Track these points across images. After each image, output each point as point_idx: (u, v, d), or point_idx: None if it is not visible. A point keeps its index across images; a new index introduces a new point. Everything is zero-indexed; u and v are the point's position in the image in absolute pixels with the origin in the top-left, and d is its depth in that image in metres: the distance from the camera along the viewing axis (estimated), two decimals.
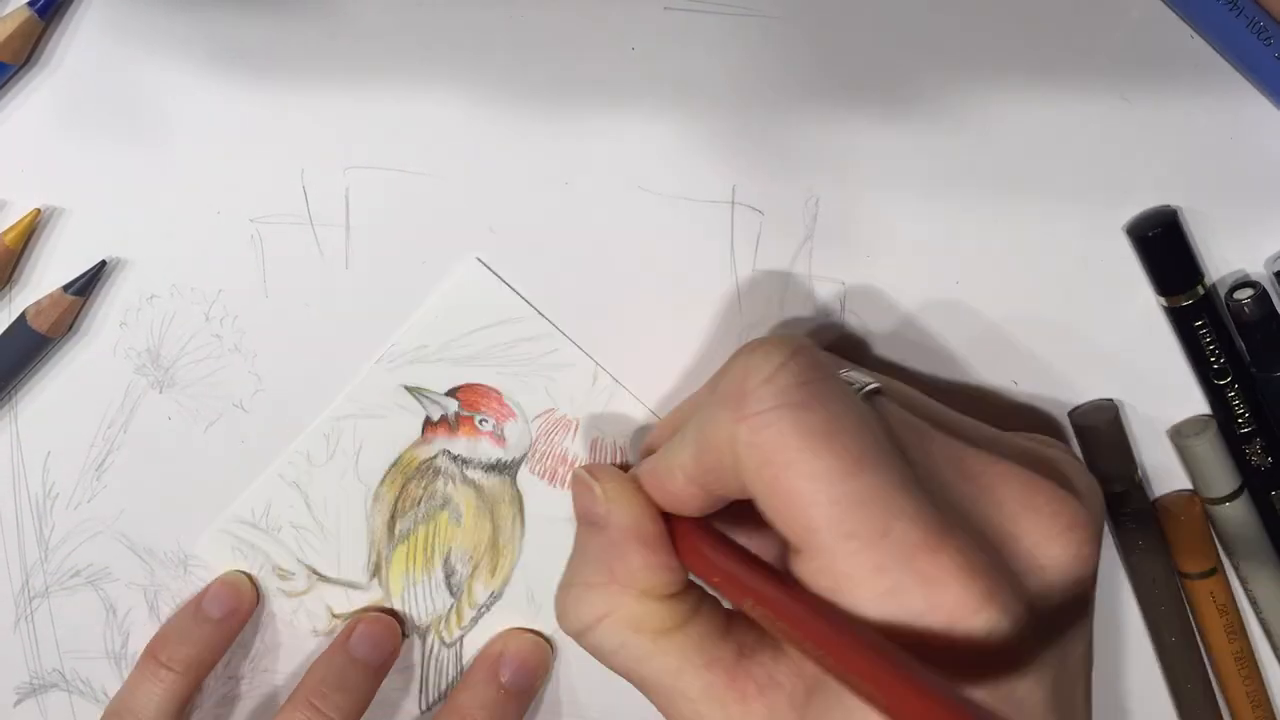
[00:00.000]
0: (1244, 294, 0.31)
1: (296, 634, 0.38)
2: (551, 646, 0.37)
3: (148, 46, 0.32)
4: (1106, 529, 0.34)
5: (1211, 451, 0.32)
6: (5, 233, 0.34)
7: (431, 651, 0.38)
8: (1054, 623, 0.24)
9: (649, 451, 0.30)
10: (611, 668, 0.28)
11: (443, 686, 0.38)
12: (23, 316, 0.34)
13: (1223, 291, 0.31)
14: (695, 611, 0.28)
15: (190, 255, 0.34)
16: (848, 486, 0.23)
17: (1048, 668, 0.24)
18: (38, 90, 0.33)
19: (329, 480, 0.37)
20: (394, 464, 0.36)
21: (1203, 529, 0.33)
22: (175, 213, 0.34)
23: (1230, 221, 0.31)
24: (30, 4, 0.31)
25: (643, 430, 0.35)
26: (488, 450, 0.36)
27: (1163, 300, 0.31)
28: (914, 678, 0.21)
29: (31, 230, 0.34)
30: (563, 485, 0.35)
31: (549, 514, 0.36)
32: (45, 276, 0.35)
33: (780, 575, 0.26)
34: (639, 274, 0.33)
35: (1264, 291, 0.31)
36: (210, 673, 0.37)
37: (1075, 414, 0.33)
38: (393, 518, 0.37)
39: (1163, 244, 0.30)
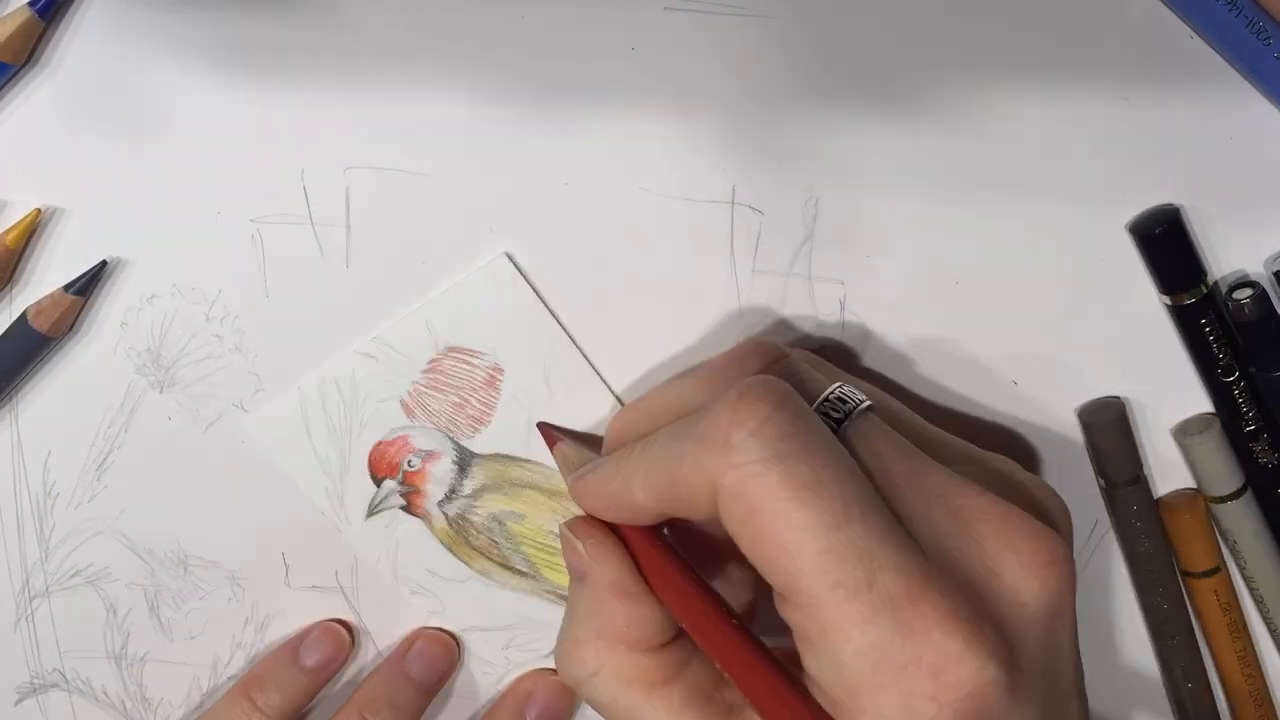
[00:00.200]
0: (1243, 294, 0.31)
1: None
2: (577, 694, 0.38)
3: (148, 46, 0.32)
4: (1109, 528, 0.34)
5: (1215, 450, 0.32)
6: (6, 232, 0.34)
7: None
8: (1038, 655, 0.25)
9: (622, 434, 0.30)
10: (607, 719, 0.29)
11: None
12: (23, 316, 0.34)
13: (1222, 291, 0.31)
14: (685, 665, 0.28)
15: (191, 255, 0.34)
16: (834, 538, 0.23)
17: (1036, 698, 0.24)
18: (38, 90, 0.33)
19: (463, 604, 0.37)
20: (450, 549, 0.37)
21: (1206, 528, 0.33)
22: (176, 213, 0.34)
23: (1229, 221, 0.31)
24: (31, 4, 0.31)
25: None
26: (441, 469, 0.36)
27: (1166, 299, 0.31)
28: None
29: (32, 230, 0.34)
30: (484, 419, 0.35)
31: (519, 438, 0.35)
32: (46, 276, 0.35)
33: (727, 614, 0.27)
34: (639, 274, 0.33)
35: (1263, 291, 0.31)
36: (297, 716, 0.38)
37: (1082, 411, 0.33)
38: (509, 568, 0.37)
39: (1167, 242, 0.30)
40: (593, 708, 0.29)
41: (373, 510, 0.36)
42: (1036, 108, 0.30)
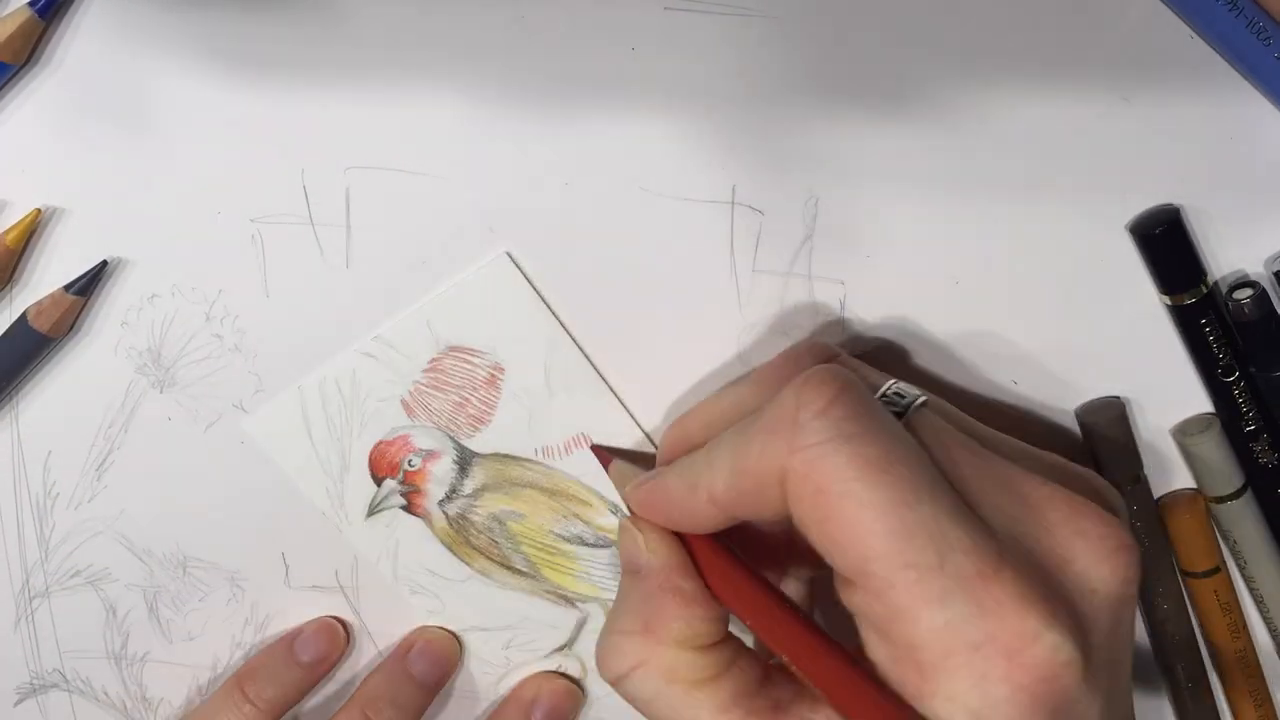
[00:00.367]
0: (1243, 294, 0.31)
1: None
2: (583, 691, 0.38)
3: (148, 46, 0.32)
4: None
5: (1215, 450, 0.32)
6: (6, 233, 0.34)
7: None
8: (1105, 641, 0.25)
9: (677, 445, 0.30)
10: (646, 717, 0.28)
11: None
12: (24, 316, 0.34)
13: (1222, 291, 0.31)
14: (731, 663, 0.28)
15: (191, 255, 0.34)
16: (905, 516, 0.23)
17: (1102, 686, 0.24)
18: (38, 90, 0.33)
19: (463, 604, 0.37)
20: (450, 549, 0.37)
21: (1206, 528, 0.33)
22: (176, 213, 0.34)
23: (1230, 221, 0.31)
24: (31, 4, 0.31)
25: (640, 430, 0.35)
26: (442, 469, 0.36)
27: (1166, 299, 0.31)
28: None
29: (32, 230, 0.34)
30: (485, 418, 0.35)
31: (520, 437, 0.35)
32: (46, 276, 0.35)
33: (793, 609, 0.27)
34: (639, 274, 0.33)
35: (1263, 291, 0.31)
36: (290, 710, 0.38)
37: (1082, 411, 0.33)
38: (509, 568, 0.37)
39: (1167, 242, 0.30)
40: (631, 703, 0.28)
41: (373, 510, 0.36)
42: (1036, 108, 0.30)
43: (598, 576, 0.37)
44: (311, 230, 0.34)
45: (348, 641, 0.38)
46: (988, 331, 0.33)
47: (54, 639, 0.39)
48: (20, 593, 0.38)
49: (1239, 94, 0.30)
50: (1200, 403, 0.33)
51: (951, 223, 0.31)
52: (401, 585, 0.37)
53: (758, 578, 0.28)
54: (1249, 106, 0.30)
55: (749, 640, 0.30)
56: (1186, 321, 0.31)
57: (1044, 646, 0.23)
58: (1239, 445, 0.32)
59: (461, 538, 0.36)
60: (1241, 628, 0.34)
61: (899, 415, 0.26)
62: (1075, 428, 0.33)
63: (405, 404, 0.35)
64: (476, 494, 0.36)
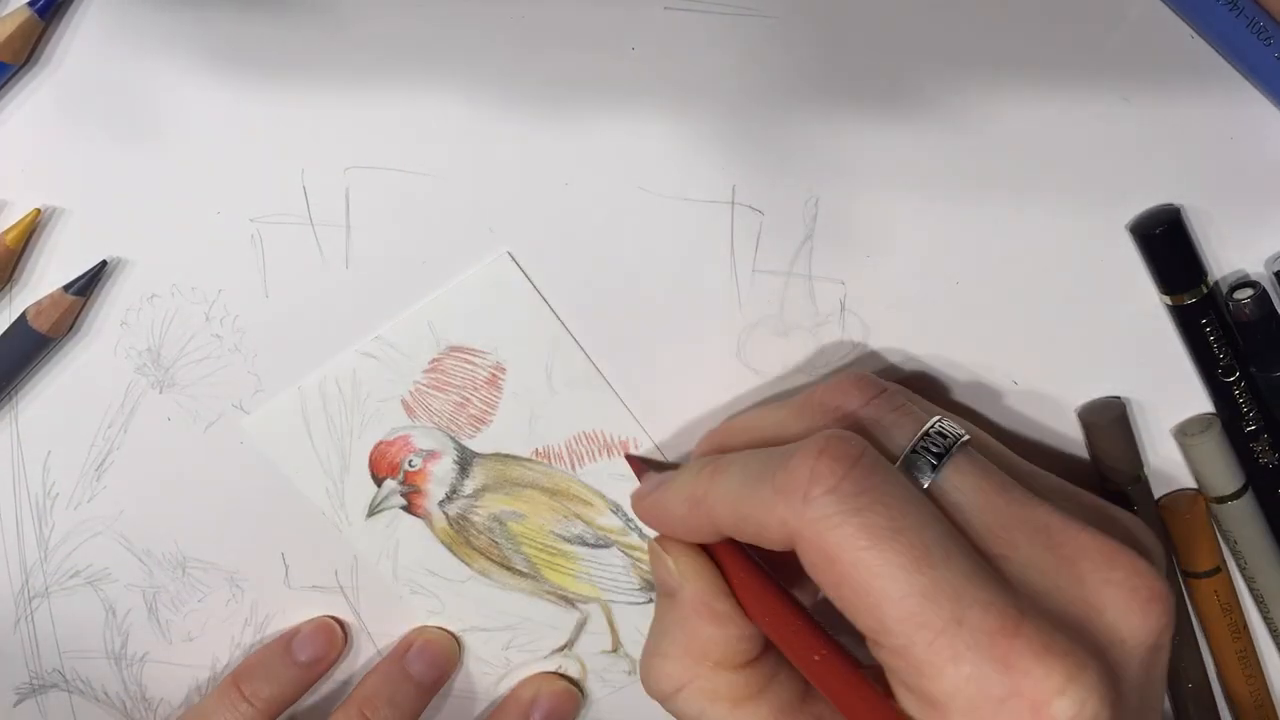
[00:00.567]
0: (1244, 294, 0.31)
1: (626, 694, 0.39)
2: (582, 692, 0.38)
3: (148, 46, 0.32)
4: None
5: (1215, 450, 0.32)
6: (5, 233, 0.34)
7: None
8: (1135, 691, 0.25)
9: (713, 448, 0.30)
10: None
11: None
12: (23, 316, 0.34)
13: (1223, 291, 0.31)
14: (772, 679, 0.28)
15: (190, 255, 0.34)
16: (917, 580, 0.24)
17: None
18: (38, 90, 0.33)
19: (463, 604, 0.37)
20: (451, 549, 0.37)
21: (1206, 528, 0.33)
22: (175, 212, 0.34)
23: (1230, 222, 0.31)
24: (30, 4, 0.31)
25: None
26: (443, 469, 0.36)
27: (1167, 299, 0.31)
28: None
29: (32, 230, 0.34)
30: (485, 419, 0.35)
31: (521, 438, 0.35)
32: (45, 276, 0.35)
33: (823, 635, 0.27)
34: (639, 274, 0.33)
35: (1264, 291, 0.31)
36: (288, 709, 0.37)
37: (1082, 411, 0.33)
38: (510, 568, 0.37)
39: (1167, 242, 0.30)
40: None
41: (373, 510, 0.36)
42: (1037, 107, 0.30)
43: (599, 577, 0.37)
44: (311, 230, 0.34)
45: (345, 641, 0.38)
46: (988, 331, 0.33)
47: (54, 639, 0.39)
48: (20, 593, 0.38)
49: (1239, 94, 0.30)
50: (1201, 403, 0.33)
51: (952, 222, 0.31)
52: (402, 585, 0.37)
53: (787, 599, 0.28)
54: (1249, 106, 0.30)
55: None
56: (1187, 321, 0.31)
57: (1069, 701, 0.23)
58: (1239, 445, 0.32)
59: (462, 538, 0.36)
60: (1242, 628, 0.34)
61: (940, 456, 0.26)
62: (1076, 428, 0.33)
63: (406, 404, 0.35)
64: (477, 494, 0.36)
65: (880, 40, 0.30)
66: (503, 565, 0.37)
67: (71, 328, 0.35)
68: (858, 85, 0.30)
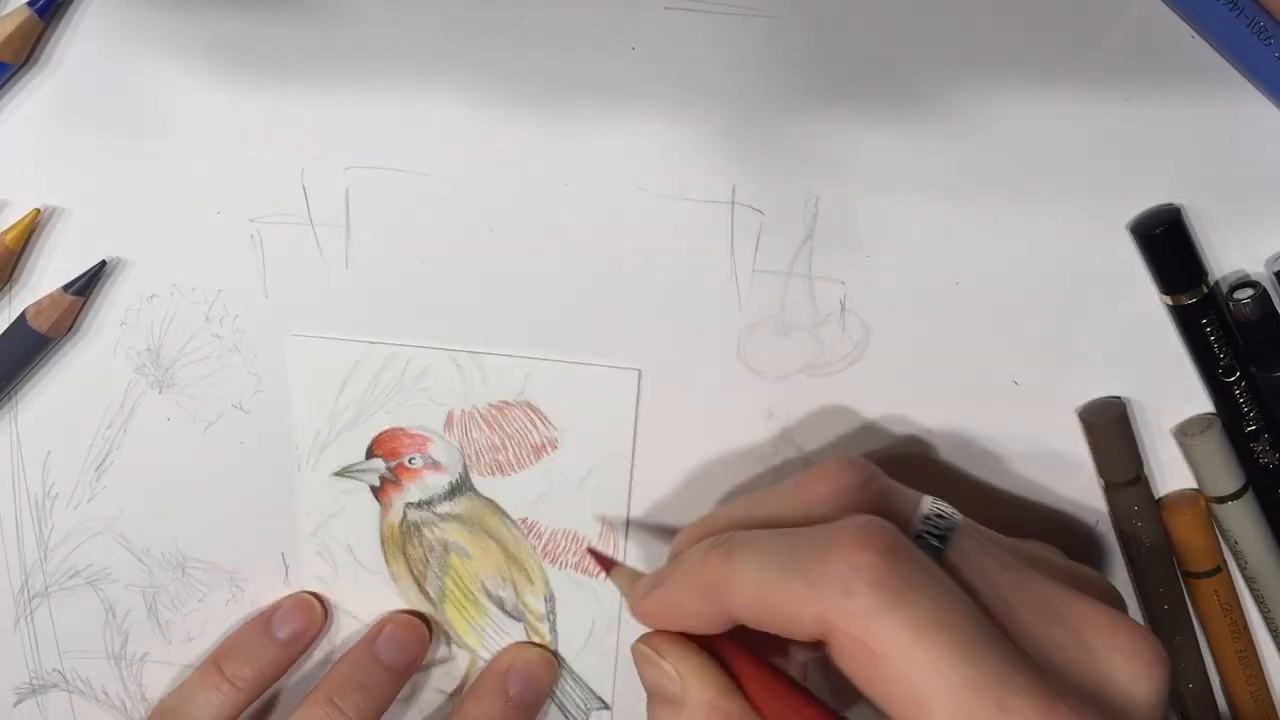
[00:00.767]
0: (1244, 294, 0.31)
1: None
2: (558, 660, 0.38)
3: (147, 46, 0.32)
4: (1110, 528, 0.34)
5: (1216, 450, 0.32)
6: (5, 233, 0.34)
7: (560, 678, 0.38)
8: None
9: (700, 535, 0.29)
10: None
11: (582, 704, 0.39)
12: (23, 316, 0.34)
13: (1223, 291, 0.31)
14: None
15: (190, 255, 0.34)
16: (963, 672, 0.23)
17: None
18: (38, 90, 0.33)
19: (353, 588, 0.38)
20: (384, 543, 0.37)
21: (1206, 528, 0.33)
22: (175, 212, 0.34)
23: (1230, 221, 0.31)
24: (30, 4, 0.31)
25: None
26: (436, 481, 0.36)
27: (1167, 299, 0.31)
28: None
29: (31, 230, 0.34)
30: (507, 470, 0.36)
31: (520, 502, 0.36)
32: (45, 276, 0.35)
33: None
34: (639, 274, 0.33)
35: (1264, 291, 0.31)
36: (268, 688, 0.37)
37: (1083, 411, 0.33)
38: (420, 586, 0.37)
39: (1167, 242, 0.30)
40: None
41: (345, 472, 0.36)
42: (1037, 107, 0.30)
43: (489, 638, 0.38)
44: (311, 230, 0.34)
45: (326, 617, 0.38)
46: (988, 332, 0.33)
47: (53, 639, 0.39)
48: (20, 593, 0.38)
49: (1240, 94, 0.30)
50: (1201, 403, 0.33)
51: (952, 222, 0.31)
52: (312, 541, 0.37)
53: (798, 687, 0.27)
54: (1250, 106, 0.30)
55: None
56: (1187, 321, 0.31)
57: None
58: (1240, 445, 0.32)
59: (401, 540, 0.37)
60: (1242, 628, 0.34)
61: (940, 538, 0.27)
62: (1076, 428, 0.33)
63: (451, 417, 0.35)
64: (446, 517, 0.36)
65: (880, 40, 0.30)
66: (416, 580, 0.37)
67: (71, 328, 0.35)
68: (858, 85, 0.30)
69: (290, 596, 0.38)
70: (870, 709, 0.25)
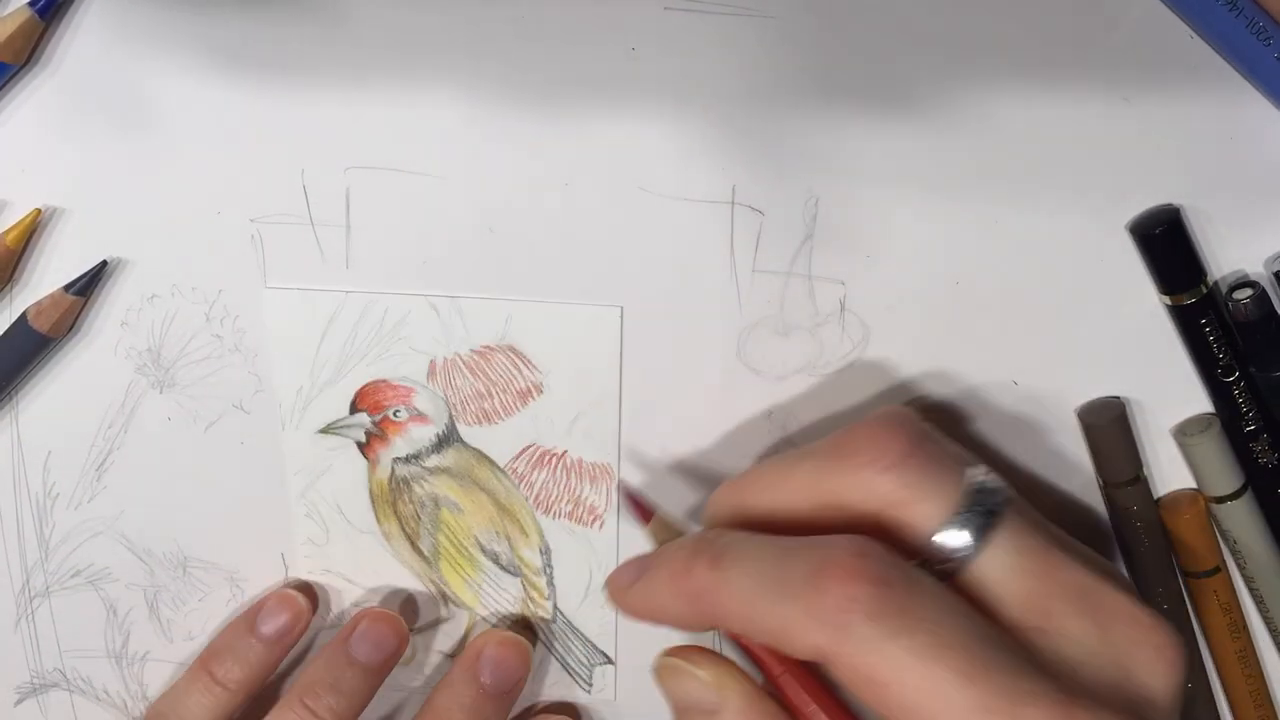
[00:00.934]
0: (1243, 294, 0.31)
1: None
2: (533, 647, 0.37)
3: (148, 46, 0.32)
4: (1110, 528, 0.34)
5: (1215, 450, 0.32)
6: (6, 233, 0.34)
7: (552, 636, 0.38)
8: None
9: (733, 518, 0.29)
10: None
11: (585, 660, 0.38)
12: (24, 317, 0.34)
13: (1223, 291, 0.31)
14: None
15: (191, 255, 0.34)
16: (969, 694, 0.23)
17: None
18: (38, 90, 0.33)
19: (345, 550, 0.37)
20: (374, 501, 0.36)
21: (1206, 528, 0.33)
22: (176, 212, 0.34)
23: (1229, 221, 0.31)
24: (31, 4, 0.31)
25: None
26: (422, 433, 0.35)
27: (1166, 299, 0.31)
28: None
29: (32, 230, 0.34)
30: (494, 418, 0.35)
31: (509, 452, 0.35)
32: (46, 277, 0.35)
33: None
34: (639, 274, 0.33)
35: (1263, 291, 0.31)
36: (260, 687, 0.37)
37: (1082, 411, 0.33)
38: (413, 544, 0.37)
39: (1167, 242, 0.30)
40: None
41: (330, 429, 0.36)
42: (1037, 108, 0.30)
43: (486, 595, 0.37)
44: (311, 230, 0.34)
45: (312, 610, 0.37)
46: (988, 331, 0.33)
47: (54, 639, 0.39)
48: (21, 592, 0.39)
49: (1239, 94, 0.30)
50: (1200, 403, 0.33)
51: (952, 223, 0.31)
52: (301, 503, 0.37)
53: (830, 693, 0.27)
54: (1249, 106, 0.30)
55: None
56: (1186, 321, 0.31)
57: None
58: (1239, 445, 0.32)
59: (391, 497, 0.36)
60: (1241, 628, 0.34)
61: (990, 513, 0.26)
62: (1076, 428, 0.33)
63: (433, 365, 0.35)
64: (435, 471, 0.36)
65: (880, 40, 0.30)
66: (409, 538, 0.37)
67: (72, 328, 0.35)
68: (858, 85, 0.30)
69: (274, 593, 0.37)
70: None
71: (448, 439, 0.35)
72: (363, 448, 0.36)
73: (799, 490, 0.28)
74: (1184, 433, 0.33)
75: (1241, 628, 0.34)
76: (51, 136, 0.33)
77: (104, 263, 0.34)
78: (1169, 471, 0.34)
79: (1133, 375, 0.33)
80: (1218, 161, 0.30)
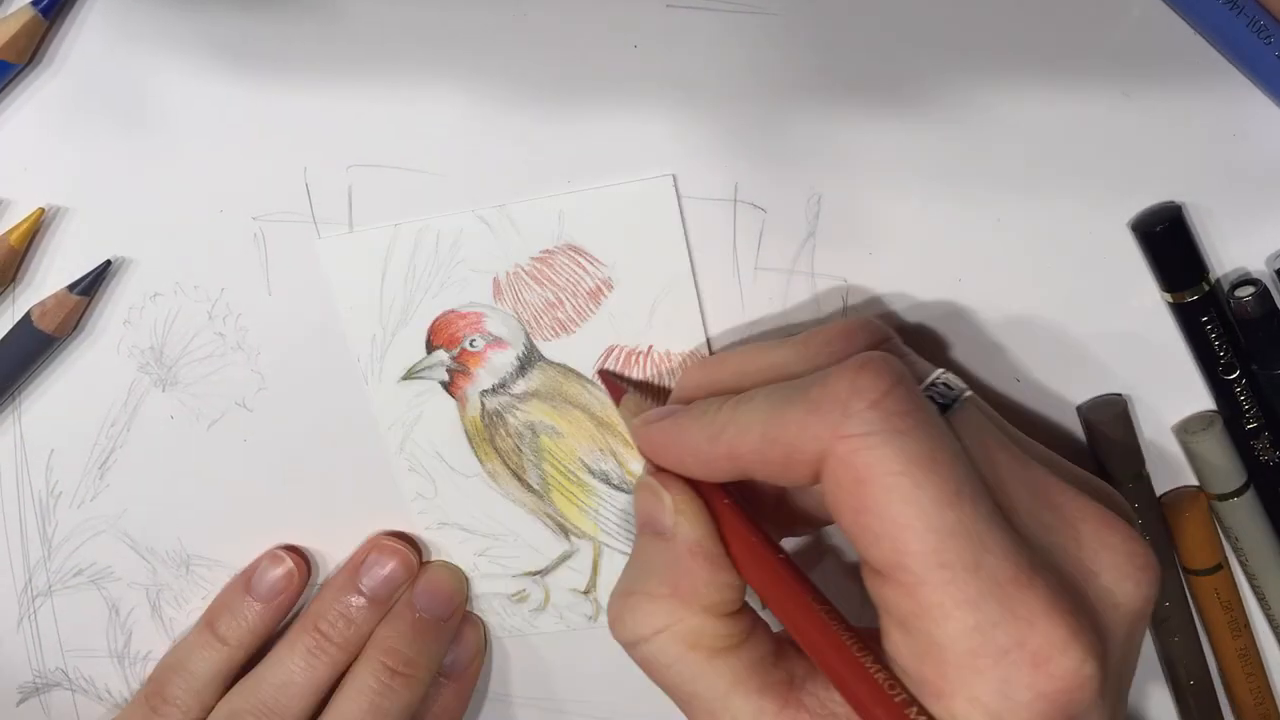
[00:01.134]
0: (1245, 291, 0.31)
1: (576, 636, 0.37)
2: (465, 575, 0.37)
3: (151, 45, 0.32)
4: None
5: (1217, 447, 0.32)
6: (10, 232, 0.34)
7: None
8: (1119, 655, 0.25)
9: (700, 387, 0.29)
10: (659, 683, 0.28)
11: None
12: (28, 316, 0.35)
13: (1224, 289, 0.31)
14: (749, 634, 0.28)
15: (193, 253, 0.34)
16: (946, 515, 0.23)
17: (1111, 699, 0.24)
18: (41, 90, 0.33)
19: (456, 498, 0.36)
20: (471, 441, 0.35)
21: (1208, 525, 0.33)
22: (179, 211, 0.34)
23: (1231, 219, 0.31)
24: (34, 3, 0.32)
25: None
26: (502, 359, 0.34)
27: (1168, 296, 0.31)
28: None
29: (36, 230, 0.34)
30: (570, 327, 0.34)
31: (592, 356, 0.34)
32: (49, 276, 0.35)
33: (809, 588, 0.26)
34: (639, 273, 0.33)
35: (1265, 289, 0.31)
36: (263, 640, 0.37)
37: (1084, 408, 0.33)
38: (521, 479, 0.35)
39: (1168, 239, 0.30)
40: (643, 667, 0.28)
41: (411, 374, 0.34)
42: (1038, 105, 0.30)
43: (605, 518, 0.35)
44: (314, 228, 0.34)
45: (307, 571, 0.37)
46: (990, 329, 0.33)
47: (57, 638, 0.39)
48: (23, 592, 0.39)
49: (1240, 92, 0.30)
50: (1202, 400, 0.33)
51: (954, 220, 0.32)
52: (402, 459, 0.36)
53: (776, 550, 0.27)
54: (1250, 104, 0.30)
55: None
56: (1188, 319, 0.31)
57: (1071, 658, 0.23)
58: (1241, 443, 0.32)
59: (488, 433, 0.35)
60: (1243, 625, 0.34)
61: (944, 408, 0.26)
62: (1077, 425, 0.33)
63: (497, 283, 0.33)
64: (524, 397, 0.34)
65: (882, 37, 0.30)
66: (515, 473, 0.35)
67: (75, 327, 0.35)
68: (860, 82, 0.31)
69: (266, 554, 0.37)
70: (840, 582, 0.25)
71: (529, 360, 0.34)
72: (447, 387, 0.34)
73: (771, 372, 0.28)
74: (1186, 430, 0.33)
75: (1243, 625, 0.34)
76: (54, 136, 0.33)
77: (107, 262, 0.34)
78: (1171, 469, 0.34)
79: (1134, 373, 0.33)
80: (1219, 159, 0.30)
